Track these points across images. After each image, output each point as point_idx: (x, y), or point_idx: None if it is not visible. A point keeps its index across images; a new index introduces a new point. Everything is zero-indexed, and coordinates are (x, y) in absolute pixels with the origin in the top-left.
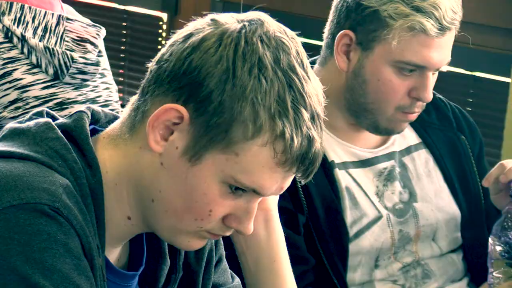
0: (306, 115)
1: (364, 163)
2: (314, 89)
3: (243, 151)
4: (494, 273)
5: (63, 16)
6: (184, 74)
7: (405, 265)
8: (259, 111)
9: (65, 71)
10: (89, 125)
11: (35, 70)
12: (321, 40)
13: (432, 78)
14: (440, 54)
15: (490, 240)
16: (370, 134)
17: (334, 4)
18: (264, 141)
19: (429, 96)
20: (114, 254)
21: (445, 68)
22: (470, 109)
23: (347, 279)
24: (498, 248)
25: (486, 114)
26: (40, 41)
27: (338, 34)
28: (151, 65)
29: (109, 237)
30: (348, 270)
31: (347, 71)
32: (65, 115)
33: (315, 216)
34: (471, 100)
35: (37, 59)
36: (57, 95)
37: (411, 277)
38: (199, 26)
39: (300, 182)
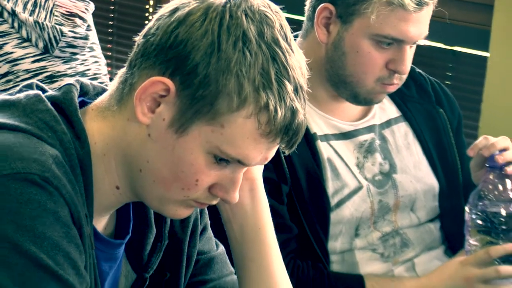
0: (289, 87)
1: (345, 136)
2: (298, 62)
3: (228, 122)
4: (471, 241)
5: None
6: (170, 48)
7: (384, 234)
8: (243, 84)
9: (54, 44)
10: (78, 97)
11: (25, 44)
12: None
13: (409, 51)
14: (417, 28)
15: (467, 209)
16: (351, 106)
17: None
18: (249, 113)
19: (406, 69)
20: (101, 223)
21: (424, 42)
22: (449, 82)
23: (328, 248)
24: (475, 216)
25: (464, 88)
26: (30, 15)
27: (319, 7)
28: (138, 38)
29: (97, 206)
30: (329, 239)
31: (327, 43)
32: (54, 88)
33: (298, 186)
34: (450, 74)
35: (27, 33)
36: (47, 68)
37: (390, 246)
38: (185, 0)
39: (283, 153)
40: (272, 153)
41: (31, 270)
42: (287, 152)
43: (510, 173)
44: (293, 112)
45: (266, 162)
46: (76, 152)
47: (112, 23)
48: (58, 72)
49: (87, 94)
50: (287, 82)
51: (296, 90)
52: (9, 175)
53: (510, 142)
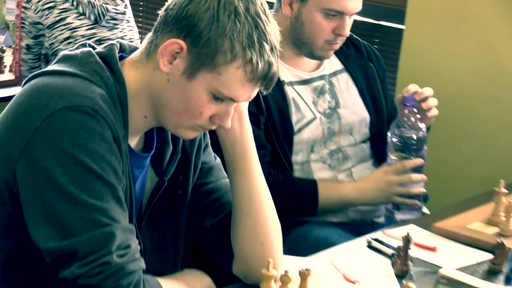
0: (267, 47)
1: (304, 82)
2: (273, 29)
3: (223, 71)
4: (391, 156)
5: None
6: (184, 19)
7: (331, 151)
8: (235, 44)
9: (102, 18)
10: (118, 53)
11: (81, 17)
12: None
13: (348, 21)
14: (354, 3)
15: (389, 134)
16: (308, 61)
17: None
18: (238, 65)
19: (347, 33)
20: (134, 141)
21: (358, 17)
22: (376, 47)
23: (292, 160)
24: (394, 139)
25: (386, 52)
26: None
27: None
28: (161, 12)
29: (131, 130)
30: (292, 154)
31: (290, 17)
32: (102, 47)
33: (271, 117)
34: (377, 41)
35: (82, 10)
36: (96, 34)
37: (335, 159)
38: None
39: (262, 94)
40: (254, 94)
41: (83, 174)
42: (264, 93)
43: (423, 108)
44: (269, 65)
45: (249, 100)
46: (117, 91)
47: (142, 3)
48: (104, 37)
49: (124, 51)
50: (265, 44)
51: (271, 50)
52: (69, 107)
53: (420, 89)
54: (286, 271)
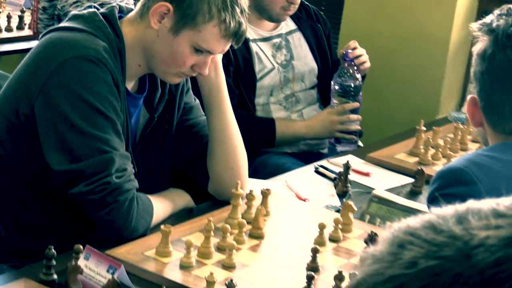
0: (238, 10)
1: (265, 39)
2: None
3: (203, 29)
4: (334, 100)
5: None
6: None
7: (286, 95)
8: (211, 7)
9: None
10: (117, 13)
11: None
12: None
13: None
14: None
15: (332, 82)
16: (269, 23)
17: None
18: (215, 24)
19: (298, 1)
20: (130, 85)
21: None
22: (323, 11)
23: (255, 102)
24: (336, 86)
25: (331, 15)
26: None
27: None
28: None
29: (127, 75)
30: (255, 97)
31: None
32: (104, 9)
33: (239, 67)
34: (323, 8)
35: None
36: None
37: (289, 102)
38: None
39: (233, 48)
40: (227, 48)
41: (89, 111)
42: (235, 47)
43: (356, 63)
44: (240, 24)
45: (223, 53)
46: (116, 44)
47: None
48: (106, 1)
49: (122, 12)
50: (236, 7)
51: (241, 12)
52: (78, 56)
53: (358, 45)
54: (251, 191)
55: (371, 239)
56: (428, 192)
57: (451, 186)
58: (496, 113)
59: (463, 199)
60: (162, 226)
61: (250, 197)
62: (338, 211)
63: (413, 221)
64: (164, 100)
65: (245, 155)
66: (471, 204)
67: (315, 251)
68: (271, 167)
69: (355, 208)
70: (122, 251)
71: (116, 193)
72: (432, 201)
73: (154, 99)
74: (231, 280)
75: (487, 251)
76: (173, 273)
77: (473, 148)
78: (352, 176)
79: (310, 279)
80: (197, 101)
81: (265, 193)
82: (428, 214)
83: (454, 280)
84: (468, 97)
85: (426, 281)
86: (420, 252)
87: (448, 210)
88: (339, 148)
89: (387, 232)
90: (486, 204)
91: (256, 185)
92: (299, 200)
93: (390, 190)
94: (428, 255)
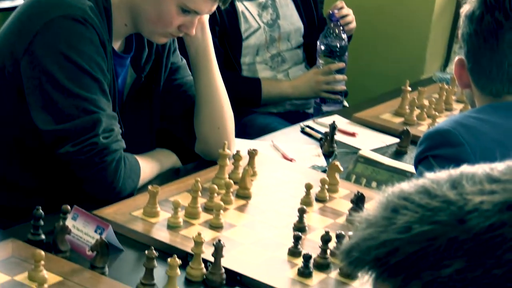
0: None
1: None
2: None
3: None
4: (320, 61)
5: None
6: None
7: (272, 55)
8: None
9: None
10: None
11: None
12: None
13: None
14: None
15: (318, 42)
16: None
17: None
18: None
19: None
20: (117, 45)
21: None
22: None
23: (241, 62)
24: (322, 46)
25: None
26: None
27: None
28: None
29: (114, 35)
30: (241, 57)
31: None
32: None
33: (224, 27)
34: None
35: None
36: None
37: (275, 62)
38: None
39: (219, 8)
40: (214, 8)
41: (75, 71)
42: (222, 8)
43: (342, 23)
44: None
45: (210, 13)
46: (102, 4)
47: None
48: None
49: None
50: None
51: None
52: (63, 16)
53: (345, 5)
54: (238, 151)
55: (358, 199)
56: (415, 153)
57: (439, 148)
58: (483, 75)
59: (450, 160)
60: (149, 187)
61: (237, 157)
62: (324, 171)
63: (407, 186)
64: (151, 60)
65: (232, 115)
66: (465, 169)
67: (302, 212)
68: (257, 127)
69: (341, 169)
70: (110, 211)
71: (103, 153)
72: (419, 162)
73: (141, 59)
74: (219, 241)
75: (481, 216)
76: (160, 233)
77: (457, 108)
78: (338, 137)
79: (297, 239)
80: (184, 61)
81: (252, 153)
82: (422, 179)
83: (449, 245)
84: (456, 58)
85: (420, 246)
86: (414, 216)
87: (442, 175)
88: (325, 108)
89: (380, 196)
90: (480, 169)
91: (242, 145)
92: (285, 160)
93: (376, 150)
94: (422, 220)
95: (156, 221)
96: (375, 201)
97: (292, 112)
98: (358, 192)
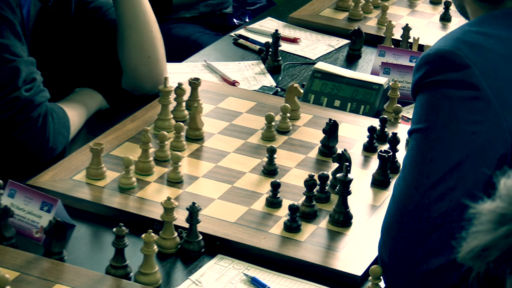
0: None
1: None
2: None
3: None
4: None
5: None
6: None
7: None
8: None
9: None
10: None
11: None
12: None
13: None
14: None
15: None
16: None
17: None
18: None
19: None
20: None
21: None
22: None
23: None
24: None
25: None
26: None
27: None
28: None
29: None
30: None
31: None
32: None
33: None
34: None
35: None
36: None
37: None
38: None
39: None
40: None
41: None
42: None
43: None
44: None
45: None
46: None
47: None
48: None
49: None
50: None
51: None
52: None
53: None
54: (180, 84)
55: (331, 128)
56: (412, 80)
57: (441, 72)
58: None
59: (456, 87)
60: (91, 144)
61: (179, 91)
62: (275, 93)
63: None
64: None
65: (162, 40)
66: None
67: (271, 152)
68: (176, 42)
69: (301, 90)
70: (46, 179)
71: (27, 109)
72: (419, 91)
73: None
74: (193, 203)
75: None
76: (113, 199)
77: None
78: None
79: (275, 187)
80: None
81: (194, 84)
82: None
83: None
84: None
85: None
86: None
87: None
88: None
89: (504, 185)
90: None
91: (170, 71)
92: (228, 84)
93: (324, 57)
94: None
95: (105, 184)
96: (501, 191)
97: (208, 14)
98: (330, 120)
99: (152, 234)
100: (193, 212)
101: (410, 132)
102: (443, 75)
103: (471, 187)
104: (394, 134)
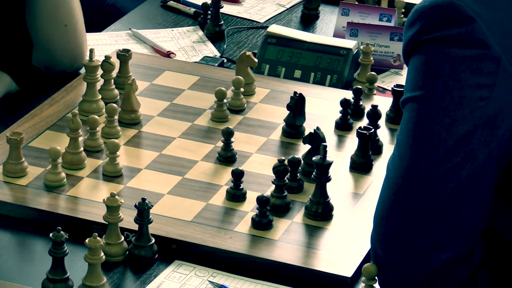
0: None
1: None
2: None
3: None
4: None
5: None
6: None
7: None
8: None
9: None
10: None
11: None
12: None
13: None
14: None
15: None
16: None
17: None
18: None
19: None
20: None
21: None
22: None
23: None
24: None
25: None
26: None
27: None
28: None
29: None
30: None
31: None
32: None
33: None
34: None
35: None
36: None
37: None
38: None
39: None
40: None
41: None
42: None
43: None
44: None
45: None
46: None
47: None
48: None
49: None
50: None
51: None
52: None
53: None
54: (107, 57)
55: (297, 103)
56: (404, 37)
57: (441, 28)
58: None
59: (459, 44)
60: (7, 134)
61: (107, 66)
62: (221, 64)
63: None
64: None
65: (80, 5)
66: None
67: (228, 134)
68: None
69: (256, 60)
70: None
71: None
72: (413, 50)
73: None
74: (143, 199)
75: None
76: (40, 200)
77: None
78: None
79: (238, 176)
80: None
81: (124, 57)
82: None
83: None
84: None
85: None
86: None
87: None
88: None
89: None
90: None
91: (90, 43)
92: (161, 56)
93: (275, 19)
94: None
95: (27, 182)
96: None
97: None
98: (295, 93)
99: (98, 238)
100: (143, 210)
101: (403, 102)
102: (442, 32)
103: (481, 165)
104: (375, 107)
